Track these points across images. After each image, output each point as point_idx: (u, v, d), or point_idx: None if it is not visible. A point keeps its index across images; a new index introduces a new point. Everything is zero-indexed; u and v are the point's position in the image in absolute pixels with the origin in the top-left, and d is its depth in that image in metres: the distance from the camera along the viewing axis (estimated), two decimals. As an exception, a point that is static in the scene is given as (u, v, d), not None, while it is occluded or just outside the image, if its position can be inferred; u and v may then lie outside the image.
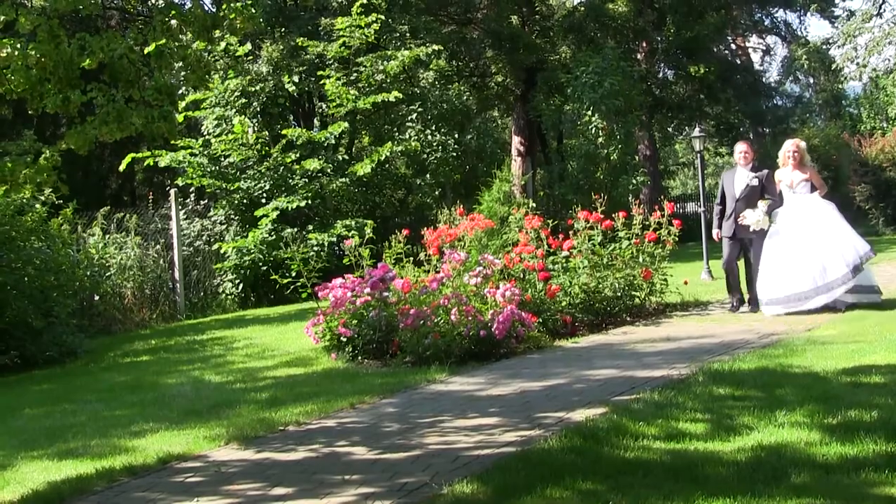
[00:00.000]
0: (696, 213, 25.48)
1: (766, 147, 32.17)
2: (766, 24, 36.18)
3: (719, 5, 28.64)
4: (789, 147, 11.33)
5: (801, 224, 10.84)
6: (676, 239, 11.97)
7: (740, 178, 11.35)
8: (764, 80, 36.15)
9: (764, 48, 40.11)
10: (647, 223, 11.89)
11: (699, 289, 13.58)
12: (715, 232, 11.79)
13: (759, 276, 11.05)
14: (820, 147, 30.66)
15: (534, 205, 13.18)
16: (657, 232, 11.76)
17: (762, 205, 10.96)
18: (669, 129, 34.73)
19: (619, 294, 11.31)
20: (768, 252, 10.97)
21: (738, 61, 34.56)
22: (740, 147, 11.62)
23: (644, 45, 28.91)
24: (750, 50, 37.97)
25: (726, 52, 34.21)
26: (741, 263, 11.69)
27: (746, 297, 11.58)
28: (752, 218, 10.94)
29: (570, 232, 11.64)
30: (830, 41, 35.88)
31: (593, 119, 21.12)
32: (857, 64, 33.77)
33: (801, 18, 37.70)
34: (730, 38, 34.08)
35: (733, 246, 11.42)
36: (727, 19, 29.89)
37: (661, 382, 7.43)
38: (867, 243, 10.87)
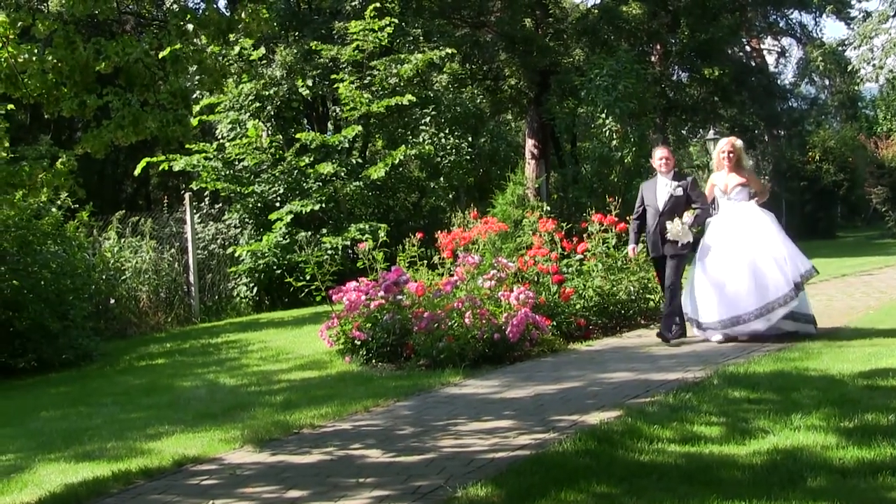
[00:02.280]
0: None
1: (782, 150, 32.17)
2: (780, 25, 36.06)
3: (734, 7, 28.54)
4: (724, 146, 9.97)
5: (736, 237, 9.52)
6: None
7: (662, 187, 9.90)
8: (779, 82, 36.05)
9: (779, 50, 40.05)
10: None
11: (714, 292, 13.50)
12: (630, 248, 10.39)
13: (694, 298, 9.72)
14: (836, 149, 30.56)
15: (548, 208, 13.20)
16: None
17: (687, 216, 9.65)
18: (683, 132, 34.65)
19: (633, 297, 11.29)
20: (700, 270, 9.72)
21: (753, 63, 34.46)
22: (660, 153, 10.05)
23: (658, 47, 28.84)
24: (765, 52, 37.90)
25: (741, 54, 34.13)
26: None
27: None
28: (673, 230, 9.59)
29: (584, 235, 11.63)
30: (846, 42, 35.74)
31: (607, 122, 21.07)
32: (874, 65, 33.63)
33: (817, 20, 37.48)
34: (744, 40, 34.01)
35: (662, 265, 9.97)
36: (742, 21, 29.82)
37: (675, 385, 7.41)
38: (808, 260, 9.61)
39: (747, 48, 35.31)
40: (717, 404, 6.64)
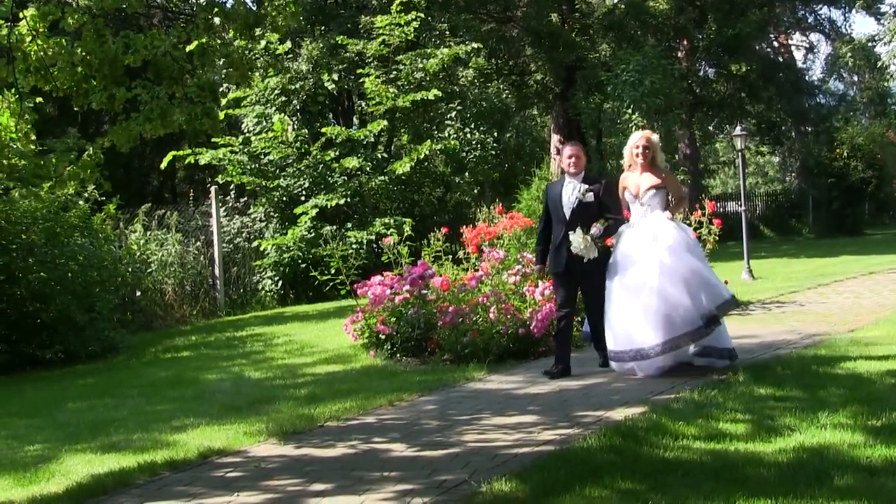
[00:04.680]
0: (736, 212, 25.26)
1: (809, 146, 31.91)
2: (809, 21, 35.77)
3: (762, 2, 28.34)
4: (637, 141, 8.29)
5: (644, 257, 7.89)
6: (717, 238, 11.83)
7: (570, 191, 8.27)
8: (807, 77, 35.76)
9: (807, 46, 39.71)
10: (688, 222, 11.76)
11: (739, 288, 13.42)
12: (538, 267, 8.87)
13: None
14: (864, 146, 30.27)
15: (573, 203, 13.10)
16: (697, 231, 11.63)
17: (596, 228, 8.07)
18: (710, 128, 34.48)
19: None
20: (607, 291, 8.22)
21: (781, 59, 34.19)
22: (569, 150, 8.44)
23: (685, 42, 28.69)
24: (793, 47, 37.60)
25: (768, 49, 33.88)
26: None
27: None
28: (577, 243, 8.04)
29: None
30: (876, 38, 35.36)
31: (633, 117, 20.99)
32: (904, 61, 33.24)
33: (846, 15, 37.17)
34: (772, 35, 33.75)
35: (568, 284, 8.37)
36: (770, 16, 29.58)
37: (700, 382, 7.37)
38: (727, 289, 8.20)
39: (775, 44, 35.04)
40: (742, 401, 6.60)
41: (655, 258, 7.80)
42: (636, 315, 7.82)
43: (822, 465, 4.99)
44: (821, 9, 34.97)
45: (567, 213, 8.23)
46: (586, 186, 8.21)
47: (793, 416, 6.06)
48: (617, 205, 8.34)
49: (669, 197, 8.41)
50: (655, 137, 8.37)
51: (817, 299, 12.55)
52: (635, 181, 8.21)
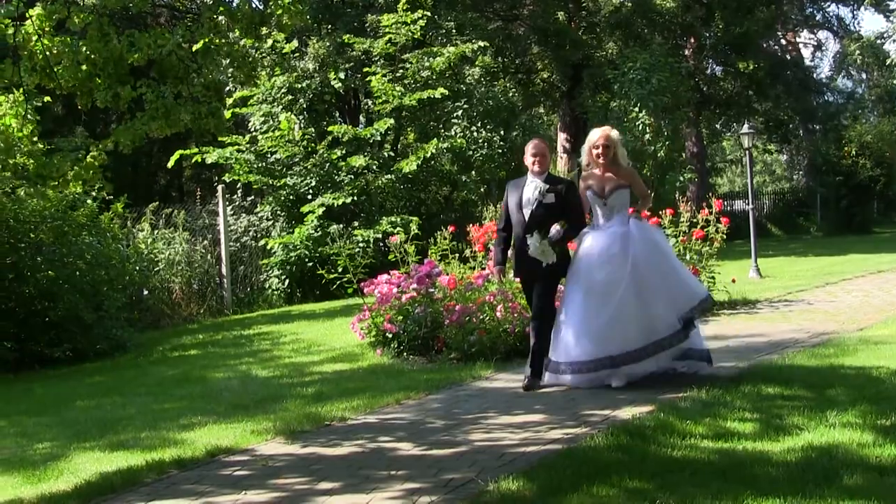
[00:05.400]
0: (744, 210, 25.22)
1: (817, 144, 31.83)
2: (817, 18, 35.70)
3: (769, 0, 28.24)
4: (597, 140, 7.82)
5: (611, 257, 7.51)
6: (724, 237, 11.82)
7: (531, 191, 7.76)
8: (815, 75, 35.67)
9: (815, 43, 39.57)
10: (695, 221, 11.76)
11: (747, 287, 13.42)
12: (495, 269, 8.28)
13: (554, 333, 7.70)
14: (873, 144, 30.19)
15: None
16: (705, 229, 11.62)
17: (554, 229, 7.57)
18: (717, 126, 34.40)
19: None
20: (564, 297, 7.78)
21: (789, 57, 34.11)
22: (533, 147, 7.87)
23: (692, 40, 28.65)
24: (800, 45, 37.49)
25: (776, 47, 33.81)
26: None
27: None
28: (534, 247, 7.57)
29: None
30: (885, 35, 35.22)
31: (640, 116, 20.96)
32: (913, 59, 33.12)
33: (854, 13, 37.03)
34: (780, 33, 33.66)
35: (530, 287, 7.94)
36: (777, 14, 29.53)
37: (708, 381, 7.35)
38: (702, 287, 7.95)
39: (783, 41, 34.94)
40: (750, 400, 6.58)
41: (624, 260, 7.42)
42: (608, 322, 7.36)
43: (831, 465, 4.98)
44: (829, 6, 34.94)
45: (526, 214, 7.75)
46: (548, 186, 7.71)
47: (801, 416, 6.04)
48: (578, 208, 7.81)
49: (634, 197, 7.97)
50: (616, 135, 7.94)
51: (826, 298, 12.52)
52: (598, 181, 7.79)
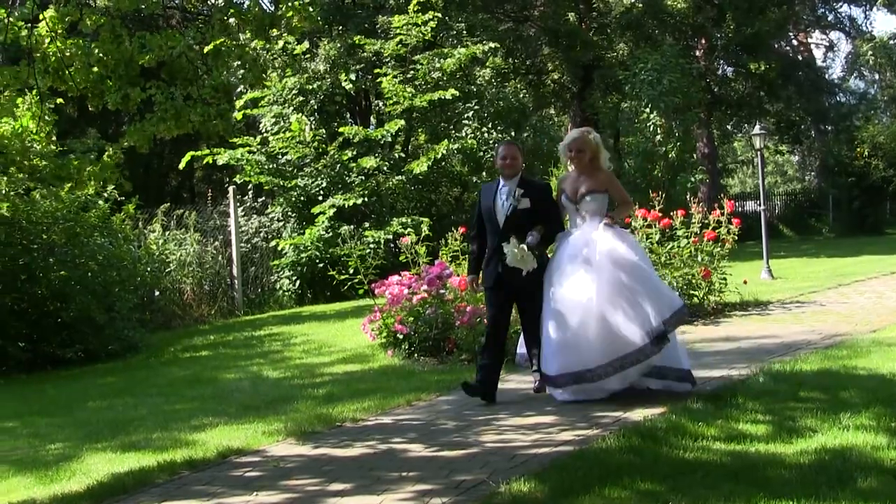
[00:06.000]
0: (755, 211, 25.14)
1: (829, 145, 31.71)
2: (829, 19, 35.55)
3: (781, 1, 28.16)
4: (570, 143, 7.42)
5: (582, 267, 7.05)
6: (736, 238, 11.78)
7: (504, 196, 7.37)
8: (827, 76, 35.53)
9: (827, 44, 39.42)
10: (706, 222, 11.73)
11: (759, 288, 13.36)
12: (469, 278, 8.00)
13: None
14: (885, 145, 30.07)
15: (591, 203, 13.08)
16: (716, 230, 11.59)
17: (532, 235, 7.16)
18: (728, 127, 34.31)
19: (677, 293, 11.13)
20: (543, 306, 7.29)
21: (800, 57, 34.00)
22: (503, 150, 7.54)
23: (703, 41, 28.58)
24: (812, 46, 37.35)
25: (788, 48, 33.69)
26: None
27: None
28: (511, 254, 7.12)
29: (628, 230, 11.51)
30: (898, 35, 35.13)
31: (651, 116, 20.93)
32: (926, 59, 33.02)
33: (867, 13, 36.89)
34: (791, 34, 33.54)
35: (499, 300, 7.48)
36: (789, 15, 29.43)
37: (720, 383, 7.33)
38: (677, 298, 7.41)
39: (794, 42, 34.83)
40: (762, 402, 6.55)
41: (595, 271, 6.96)
42: (575, 335, 6.95)
43: (845, 467, 4.95)
44: (841, 6, 34.79)
45: (500, 220, 7.32)
46: (521, 191, 7.30)
47: (814, 418, 6.01)
48: (554, 212, 7.45)
49: (611, 203, 7.51)
50: (594, 137, 7.43)
51: (838, 299, 12.46)
52: (572, 185, 7.35)
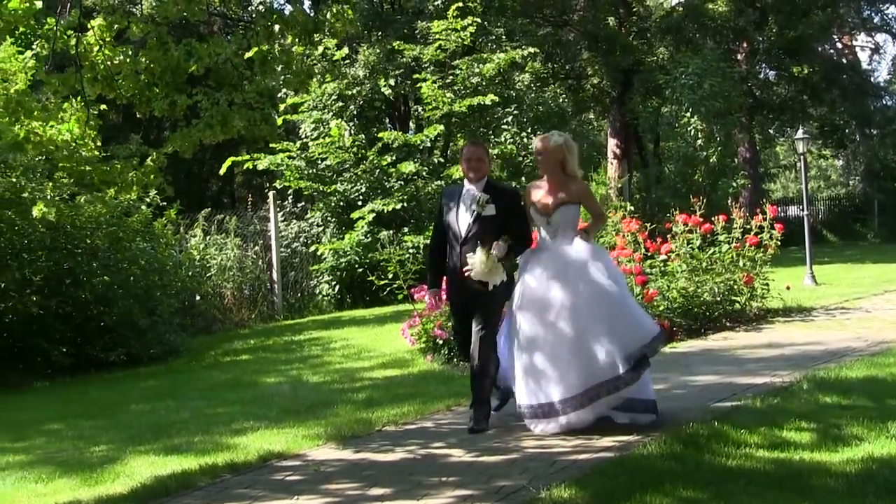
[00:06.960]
0: (798, 216, 24.82)
1: (875, 149, 31.26)
2: (875, 21, 35.02)
3: (825, 3, 27.79)
4: (542, 146, 6.76)
5: (552, 287, 6.43)
6: (778, 243, 11.66)
7: (468, 201, 6.71)
8: (872, 79, 35.01)
9: (872, 46, 38.88)
10: (748, 227, 11.62)
11: (802, 294, 13.20)
12: (428, 293, 7.30)
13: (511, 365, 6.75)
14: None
15: (630, 208, 13.03)
16: (759, 236, 11.48)
17: (498, 246, 6.49)
18: (771, 131, 33.93)
19: (718, 299, 11.06)
20: (512, 328, 6.71)
21: (845, 60, 33.51)
22: (468, 151, 6.93)
23: (745, 45, 28.28)
24: (857, 49, 36.82)
25: (831, 51, 33.24)
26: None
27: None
28: (476, 266, 6.48)
29: (668, 235, 11.45)
30: (944, 38, 34.55)
31: (692, 121, 20.76)
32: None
33: (913, 15, 36.33)
34: (835, 36, 33.10)
35: (462, 316, 6.92)
36: (833, 17, 29.02)
37: (763, 389, 7.25)
38: (654, 324, 6.79)
39: (838, 45, 34.37)
40: (806, 410, 6.46)
41: (566, 292, 6.35)
42: (544, 362, 6.35)
43: (893, 476, 4.86)
44: (887, 8, 34.22)
45: (462, 228, 6.68)
46: (487, 196, 6.61)
47: (860, 426, 5.92)
48: (523, 220, 6.75)
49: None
50: (558, 139, 6.67)
51: (884, 306, 12.27)
52: (540, 195, 6.66)
